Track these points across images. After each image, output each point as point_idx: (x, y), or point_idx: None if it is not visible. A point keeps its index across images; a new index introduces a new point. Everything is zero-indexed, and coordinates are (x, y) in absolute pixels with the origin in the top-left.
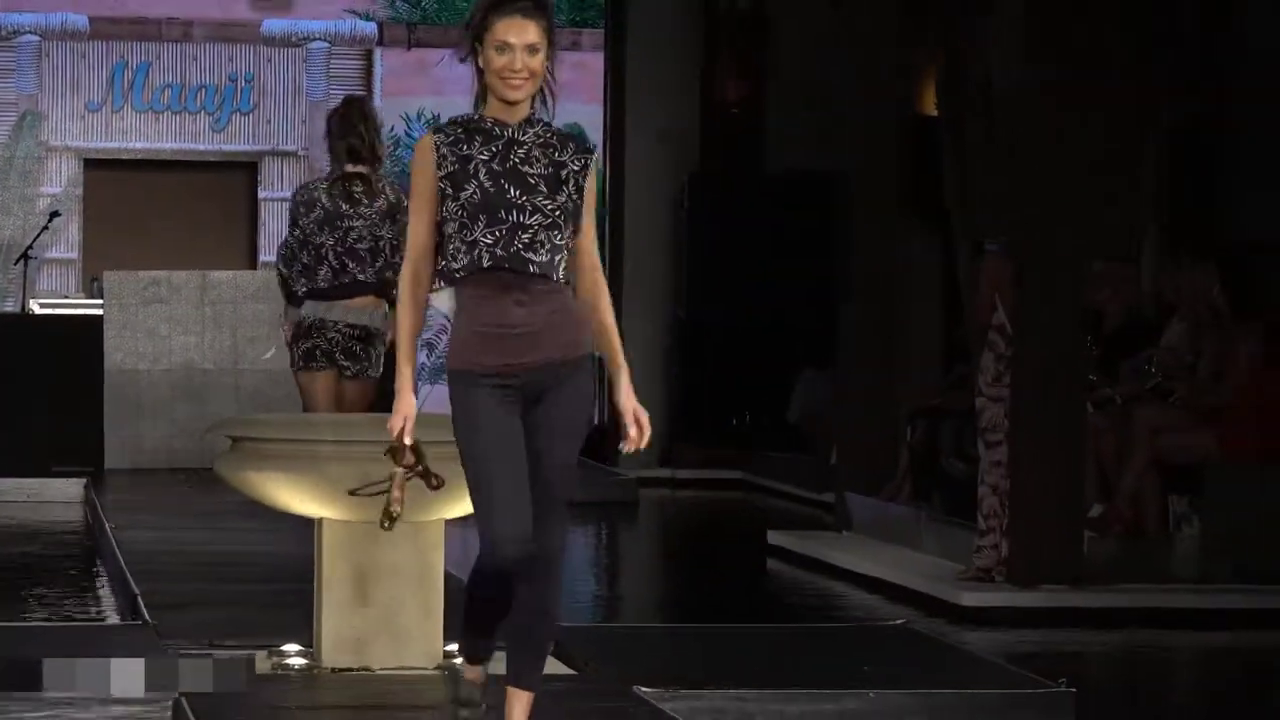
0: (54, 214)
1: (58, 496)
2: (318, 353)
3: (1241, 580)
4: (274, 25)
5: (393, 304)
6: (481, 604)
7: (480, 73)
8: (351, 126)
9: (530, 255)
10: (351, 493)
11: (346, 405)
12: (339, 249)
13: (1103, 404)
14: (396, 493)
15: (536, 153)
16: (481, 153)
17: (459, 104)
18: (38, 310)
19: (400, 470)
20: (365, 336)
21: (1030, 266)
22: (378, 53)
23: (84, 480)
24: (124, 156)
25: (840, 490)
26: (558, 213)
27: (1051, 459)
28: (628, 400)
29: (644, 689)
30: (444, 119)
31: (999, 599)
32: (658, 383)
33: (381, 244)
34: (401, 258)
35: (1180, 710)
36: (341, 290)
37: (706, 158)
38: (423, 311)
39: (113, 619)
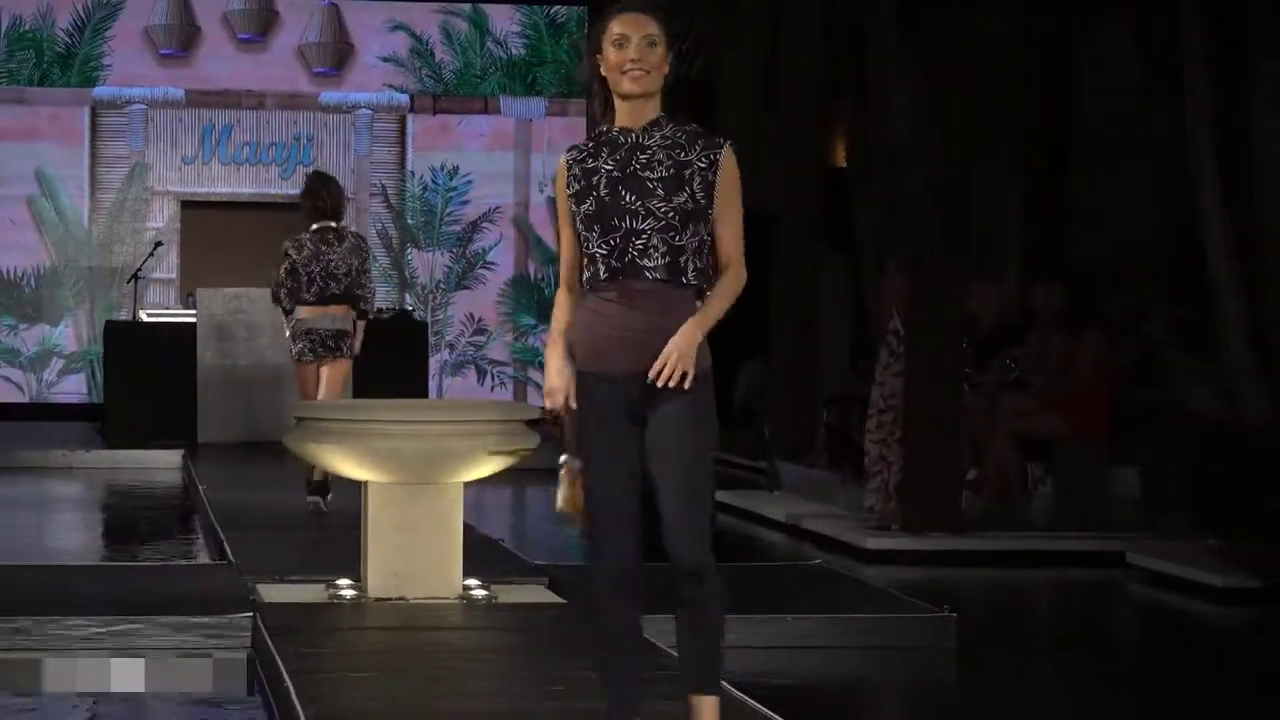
0: (158, 244)
1: (160, 464)
2: (308, 349)
3: (1084, 529)
4: (329, 96)
5: (358, 311)
6: (595, 625)
7: (603, 84)
8: (317, 193)
9: (644, 261)
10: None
11: (331, 377)
12: (323, 274)
13: (976, 390)
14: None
15: (660, 155)
16: (607, 163)
17: (475, 158)
18: (145, 319)
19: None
20: (339, 334)
21: (921, 283)
22: (410, 117)
23: (181, 451)
24: (213, 199)
25: (772, 458)
26: (673, 215)
27: (936, 434)
28: (675, 338)
29: None
30: (461, 170)
31: (895, 544)
32: None
33: (351, 269)
34: (368, 279)
35: (1037, 630)
36: (324, 300)
37: None
38: (573, 314)
39: (203, 559)
